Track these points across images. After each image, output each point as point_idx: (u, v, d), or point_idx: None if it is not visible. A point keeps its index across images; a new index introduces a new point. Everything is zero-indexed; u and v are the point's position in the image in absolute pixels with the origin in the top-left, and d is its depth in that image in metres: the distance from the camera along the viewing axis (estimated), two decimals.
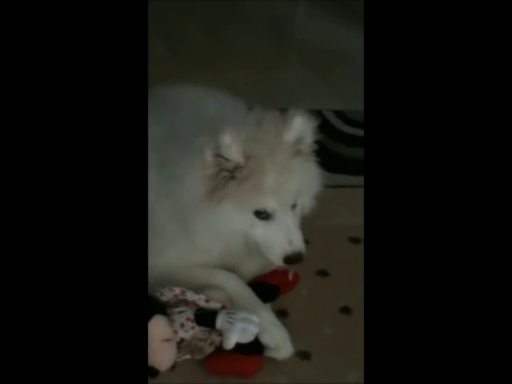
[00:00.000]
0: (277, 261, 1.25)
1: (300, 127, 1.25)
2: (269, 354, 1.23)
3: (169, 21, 2.98)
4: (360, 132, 2.28)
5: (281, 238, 1.23)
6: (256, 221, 1.23)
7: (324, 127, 2.31)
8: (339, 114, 2.42)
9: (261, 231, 1.24)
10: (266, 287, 1.35)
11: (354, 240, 1.68)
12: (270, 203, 1.22)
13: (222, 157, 1.18)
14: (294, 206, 1.27)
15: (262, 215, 1.23)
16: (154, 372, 1.17)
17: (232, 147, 1.17)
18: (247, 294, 1.30)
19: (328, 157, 2.12)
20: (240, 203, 1.21)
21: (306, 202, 1.33)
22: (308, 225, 1.64)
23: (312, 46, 3.08)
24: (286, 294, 1.39)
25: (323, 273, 1.55)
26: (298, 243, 1.24)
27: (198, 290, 1.24)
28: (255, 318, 1.19)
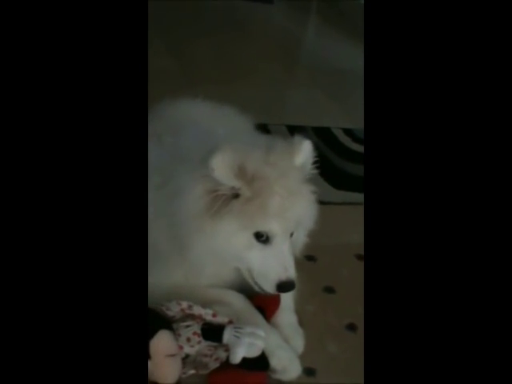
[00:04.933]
0: (269, 287, 1.23)
1: (308, 152, 1.27)
2: (276, 376, 1.23)
3: (178, 36, 3.02)
4: None
5: (276, 264, 1.22)
6: (254, 243, 1.22)
7: (333, 145, 2.37)
8: (348, 132, 2.44)
9: (257, 254, 1.23)
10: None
11: (361, 257, 1.69)
12: (273, 226, 1.21)
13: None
14: (291, 235, 1.27)
15: (262, 238, 1.22)
16: None
17: (220, 170, 1.15)
18: (254, 315, 1.29)
19: (336, 174, 2.17)
20: (243, 222, 1.20)
21: (301, 237, 1.34)
22: (315, 242, 1.64)
23: (321, 64, 3.11)
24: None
25: (329, 290, 1.55)
26: (292, 271, 1.23)
27: (204, 305, 1.23)
28: (262, 333, 1.19)
